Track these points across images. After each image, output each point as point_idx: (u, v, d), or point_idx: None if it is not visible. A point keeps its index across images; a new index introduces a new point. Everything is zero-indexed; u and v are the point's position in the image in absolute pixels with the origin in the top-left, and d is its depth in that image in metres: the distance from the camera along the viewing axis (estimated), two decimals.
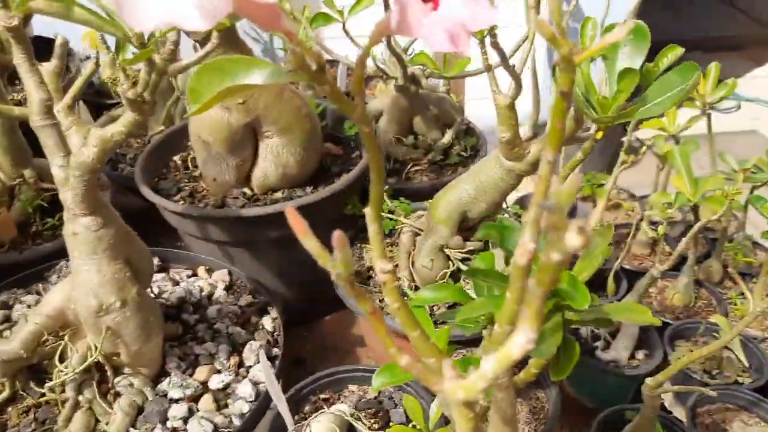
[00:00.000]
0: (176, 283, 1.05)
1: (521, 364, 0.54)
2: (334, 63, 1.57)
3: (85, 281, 0.77)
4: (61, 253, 0.92)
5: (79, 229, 0.76)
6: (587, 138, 0.83)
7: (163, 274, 1.06)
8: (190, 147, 1.21)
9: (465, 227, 0.98)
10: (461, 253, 0.95)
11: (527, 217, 0.46)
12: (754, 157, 1.45)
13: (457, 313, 0.59)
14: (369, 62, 1.18)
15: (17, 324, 0.92)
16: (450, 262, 0.97)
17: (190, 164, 1.18)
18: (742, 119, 2.60)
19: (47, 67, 0.77)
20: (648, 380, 0.97)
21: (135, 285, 0.80)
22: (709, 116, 1.50)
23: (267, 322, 0.99)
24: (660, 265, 1.31)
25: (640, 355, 1.28)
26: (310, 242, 0.40)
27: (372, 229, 0.52)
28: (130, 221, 0.84)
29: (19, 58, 0.72)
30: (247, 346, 0.94)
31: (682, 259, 1.44)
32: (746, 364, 1.26)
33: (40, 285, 1.03)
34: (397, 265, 1.03)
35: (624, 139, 1.45)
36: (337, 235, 0.39)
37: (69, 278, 0.82)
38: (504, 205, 0.97)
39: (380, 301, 1.00)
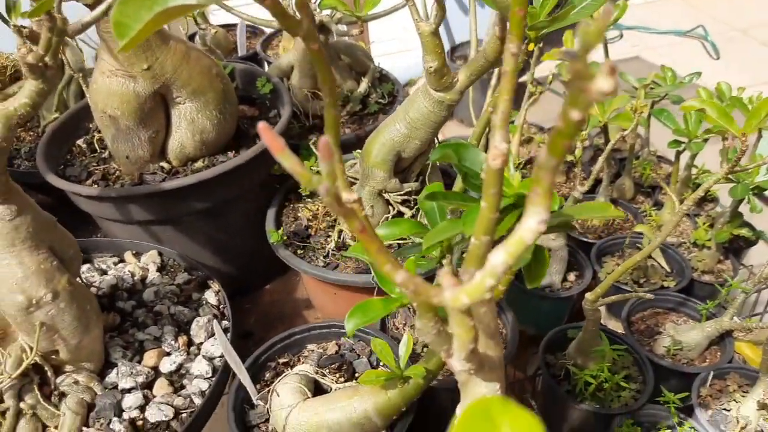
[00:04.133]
0: (104, 273, 0.98)
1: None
2: (231, 25, 1.50)
3: (7, 277, 0.69)
4: None
5: None
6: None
7: (87, 265, 0.98)
8: (93, 129, 1.12)
9: (400, 168, 0.96)
10: (400, 195, 0.94)
11: (496, 119, 0.45)
12: (651, 74, 1.52)
13: (424, 240, 0.58)
14: (269, 16, 1.13)
15: None
16: (390, 206, 0.95)
17: (96, 146, 1.09)
18: (625, 47, 2.73)
19: None
20: (587, 295, 1.00)
21: (64, 274, 0.74)
22: (604, 42, 1.55)
23: (210, 297, 0.94)
24: (580, 187, 1.36)
25: (572, 276, 1.33)
26: (287, 160, 0.37)
27: (330, 161, 0.49)
28: None
29: None
30: (193, 324, 0.89)
31: (597, 182, 1.50)
32: (668, 269, 1.34)
33: None
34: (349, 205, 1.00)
35: (527, 74, 1.47)
36: (324, 143, 0.36)
37: None
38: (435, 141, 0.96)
39: (324, 257, 0.97)
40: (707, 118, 0.88)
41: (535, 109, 1.53)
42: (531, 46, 0.71)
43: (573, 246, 1.36)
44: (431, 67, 0.80)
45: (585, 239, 1.44)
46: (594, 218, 1.50)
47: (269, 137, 0.36)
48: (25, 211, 0.70)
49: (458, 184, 0.86)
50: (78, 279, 0.81)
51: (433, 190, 0.60)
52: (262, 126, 0.36)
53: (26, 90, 0.62)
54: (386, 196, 0.94)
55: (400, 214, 0.95)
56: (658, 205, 1.58)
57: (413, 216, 0.95)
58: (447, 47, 2.44)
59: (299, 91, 1.26)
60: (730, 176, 1.10)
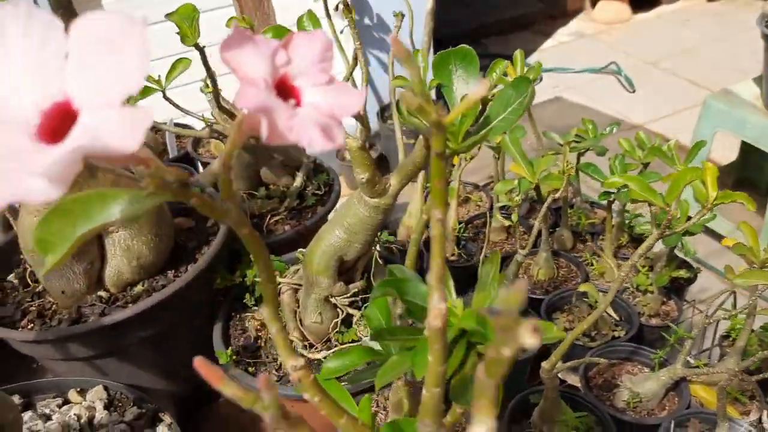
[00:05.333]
0: (48, 418, 0.93)
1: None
2: (158, 130, 1.49)
3: None
4: None
5: None
6: None
7: (29, 413, 0.93)
8: (24, 261, 1.08)
9: (343, 270, 0.96)
10: (347, 298, 0.94)
11: (431, 278, 0.46)
12: (574, 129, 1.58)
13: (376, 380, 0.57)
14: (201, 124, 1.12)
15: None
16: (338, 310, 0.95)
17: (29, 280, 1.05)
18: (546, 89, 2.83)
19: None
20: (543, 364, 1.02)
21: None
22: None
23: (163, 431, 0.91)
24: (522, 250, 1.39)
25: None
26: (229, 390, 0.37)
27: (273, 329, 0.49)
28: None
29: None
30: None
31: (537, 235, 1.53)
32: (617, 318, 1.37)
33: None
34: (285, 326, 0.99)
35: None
36: (264, 380, 0.36)
37: None
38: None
39: (276, 370, 0.96)
40: (632, 193, 0.92)
41: (471, 163, 1.57)
42: (456, 160, 0.73)
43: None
44: (363, 178, 0.81)
45: (533, 296, 1.46)
46: (540, 272, 1.54)
47: (207, 372, 0.36)
48: None
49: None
50: None
51: (378, 328, 0.60)
52: (198, 363, 0.35)
53: None
54: (333, 300, 0.94)
55: (349, 316, 0.95)
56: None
57: (362, 317, 0.95)
58: (376, 108, 2.48)
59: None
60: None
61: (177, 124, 1.45)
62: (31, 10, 0.34)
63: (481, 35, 3.28)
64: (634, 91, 2.79)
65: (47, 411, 0.94)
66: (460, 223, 1.61)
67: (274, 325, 0.49)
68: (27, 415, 0.92)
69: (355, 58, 0.94)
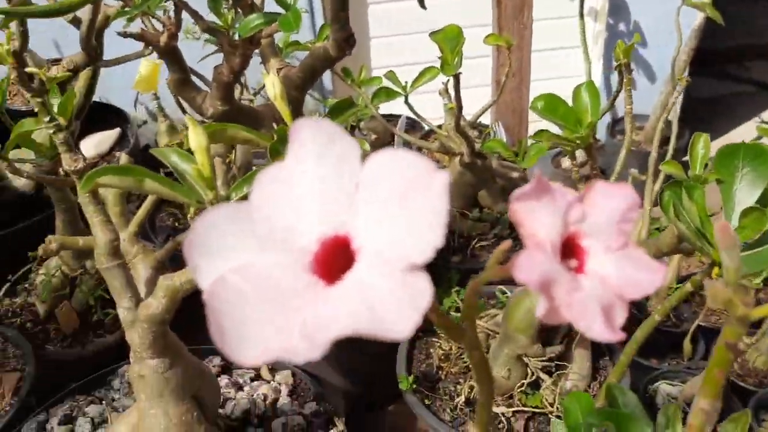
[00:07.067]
0: (240, 388, 1.00)
1: None
2: (393, 118, 1.52)
3: (152, 426, 0.73)
4: (123, 347, 0.87)
5: (145, 372, 0.72)
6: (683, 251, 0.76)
7: (225, 379, 1.02)
8: None
9: (544, 328, 0.91)
10: (541, 360, 0.89)
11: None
12: None
13: None
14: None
15: None
16: (529, 370, 0.90)
17: None
18: None
19: (111, 195, 0.75)
20: None
21: (202, 425, 0.76)
22: None
23: None
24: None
25: None
26: None
27: None
28: None
29: (84, 198, 0.69)
30: None
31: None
32: None
33: (104, 391, 1.01)
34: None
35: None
36: None
37: (131, 415, 0.78)
38: None
39: (452, 410, 0.93)
40: None
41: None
42: (715, 272, 0.64)
43: (726, 390, 1.23)
44: None
45: (742, 384, 1.30)
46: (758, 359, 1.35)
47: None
48: (177, 363, 0.73)
49: None
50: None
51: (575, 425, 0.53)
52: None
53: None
54: (525, 359, 0.89)
55: (538, 379, 0.90)
56: None
57: (554, 383, 0.90)
58: (608, 119, 2.32)
59: (449, 210, 1.23)
60: None
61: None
62: (334, 129, 0.32)
63: (745, 56, 2.90)
64: None
65: (240, 381, 1.02)
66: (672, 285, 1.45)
67: None
68: (223, 382, 1.00)
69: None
